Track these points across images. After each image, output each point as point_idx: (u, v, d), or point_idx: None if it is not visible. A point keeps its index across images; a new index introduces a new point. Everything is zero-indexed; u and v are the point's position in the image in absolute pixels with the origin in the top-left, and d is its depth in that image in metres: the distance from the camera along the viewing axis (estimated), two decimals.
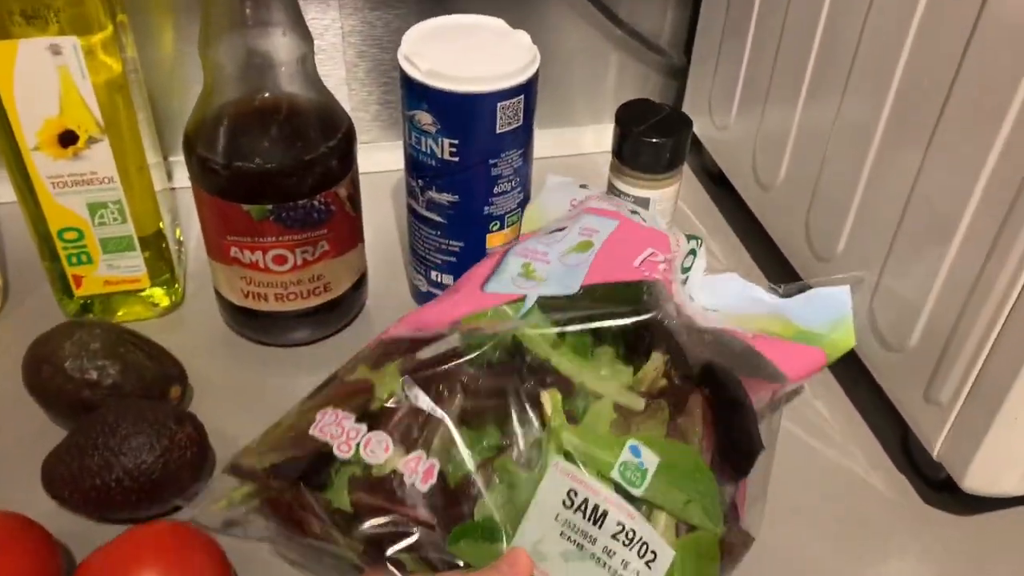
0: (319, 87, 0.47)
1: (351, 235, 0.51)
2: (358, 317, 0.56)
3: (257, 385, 0.51)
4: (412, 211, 0.52)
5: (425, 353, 0.42)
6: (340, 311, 0.53)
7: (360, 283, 0.54)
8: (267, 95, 0.46)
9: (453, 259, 0.52)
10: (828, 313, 0.44)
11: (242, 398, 0.50)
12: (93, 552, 0.38)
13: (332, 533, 0.39)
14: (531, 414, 0.39)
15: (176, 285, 0.54)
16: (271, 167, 0.45)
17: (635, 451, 0.39)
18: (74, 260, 0.50)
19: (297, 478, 0.40)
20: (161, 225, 0.52)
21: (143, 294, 0.53)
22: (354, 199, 0.50)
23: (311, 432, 0.40)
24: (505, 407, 0.40)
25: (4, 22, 0.42)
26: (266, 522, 0.42)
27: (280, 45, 0.44)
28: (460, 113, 0.46)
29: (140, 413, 0.42)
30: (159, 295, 0.54)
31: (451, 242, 0.51)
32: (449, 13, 0.63)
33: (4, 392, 0.49)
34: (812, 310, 0.44)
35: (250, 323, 0.52)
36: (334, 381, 0.44)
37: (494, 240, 0.52)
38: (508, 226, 0.52)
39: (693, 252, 0.45)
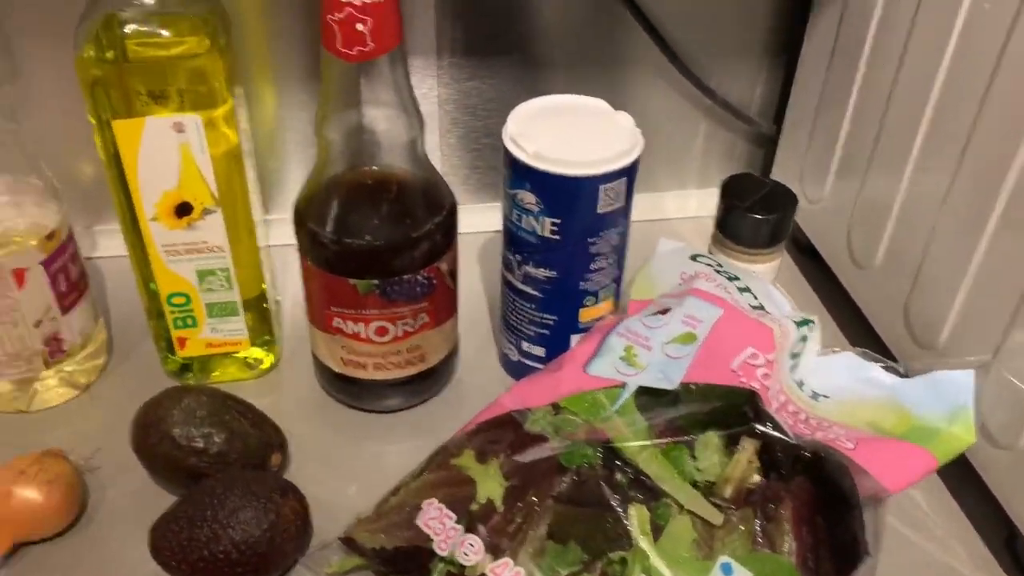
0: (426, 165, 0.48)
1: (449, 307, 0.52)
2: (450, 384, 0.56)
3: (352, 450, 0.52)
4: (507, 283, 0.53)
5: (525, 456, 0.43)
6: (434, 380, 0.54)
7: (454, 352, 0.55)
8: (378, 173, 0.47)
9: (546, 331, 0.52)
10: (948, 400, 0.42)
11: (337, 463, 0.51)
12: None
13: None
14: (618, 530, 0.40)
15: (275, 346, 0.56)
16: (379, 244, 0.46)
17: (727, 569, 0.39)
18: (180, 323, 0.52)
19: (404, 567, 0.41)
20: (263, 287, 0.53)
21: (240, 355, 0.54)
22: (453, 272, 0.51)
23: (417, 522, 0.42)
24: (593, 522, 0.40)
25: (132, 101, 0.44)
26: None
27: (393, 126, 0.45)
28: (564, 194, 0.47)
29: (247, 486, 0.43)
30: (260, 354, 0.55)
31: (545, 315, 0.52)
32: (540, 84, 0.64)
33: (110, 448, 0.50)
34: (931, 395, 0.42)
35: (347, 389, 0.53)
36: (440, 457, 0.45)
37: (587, 314, 0.52)
38: (602, 300, 0.52)
39: (804, 339, 0.45)
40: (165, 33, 0.43)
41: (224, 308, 0.51)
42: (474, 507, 0.42)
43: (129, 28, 0.43)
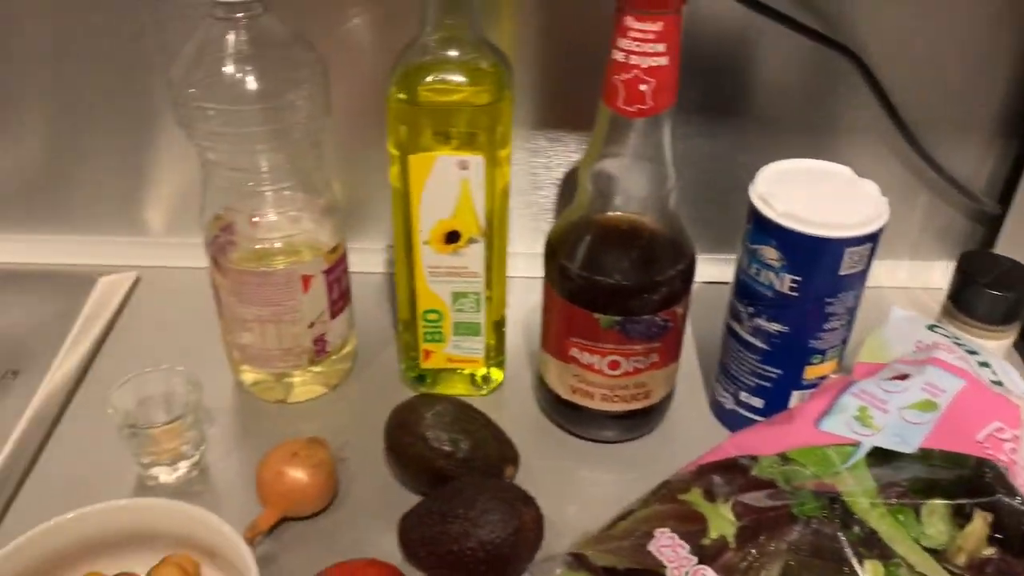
0: (674, 216, 0.52)
1: (676, 350, 0.55)
2: (661, 423, 0.59)
3: (569, 474, 0.55)
4: (732, 333, 0.55)
5: (755, 501, 0.44)
6: (650, 417, 0.57)
7: (671, 393, 0.57)
8: (631, 219, 0.51)
9: (768, 384, 0.54)
10: None
11: (556, 484, 0.54)
12: None
13: None
14: None
15: (504, 368, 0.60)
16: (627, 284, 0.50)
17: None
18: (429, 338, 0.57)
19: None
20: (504, 313, 0.58)
21: (467, 372, 0.59)
22: (685, 318, 0.54)
23: (649, 548, 0.44)
24: (826, 573, 0.41)
25: (425, 139, 0.50)
26: None
27: (652, 178, 0.49)
28: (809, 254, 0.49)
29: (494, 491, 0.47)
30: (494, 374, 0.59)
31: (769, 368, 0.54)
32: (762, 142, 0.67)
33: (354, 443, 0.55)
34: None
35: (569, 416, 0.57)
36: (665, 491, 0.48)
37: (812, 372, 0.53)
38: (828, 359, 0.53)
39: None
40: (462, 80, 0.49)
41: (469, 328, 0.56)
42: (706, 542, 0.44)
43: (433, 76, 0.49)
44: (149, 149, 0.68)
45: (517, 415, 0.59)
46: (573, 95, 0.65)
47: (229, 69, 0.48)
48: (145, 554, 0.46)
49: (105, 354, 0.63)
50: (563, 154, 0.67)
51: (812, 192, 0.51)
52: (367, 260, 0.69)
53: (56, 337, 0.62)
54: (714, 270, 0.70)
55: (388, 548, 0.48)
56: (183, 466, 0.53)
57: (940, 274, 0.71)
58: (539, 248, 0.71)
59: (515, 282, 0.61)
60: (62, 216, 0.70)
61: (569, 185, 0.69)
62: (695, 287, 0.69)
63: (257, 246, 0.54)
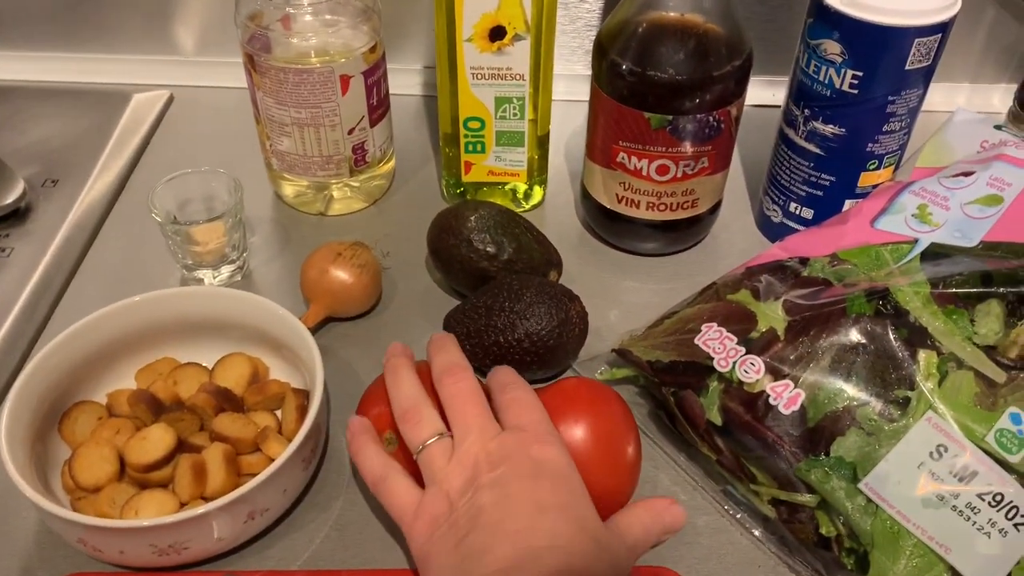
0: (730, 11, 0.49)
1: (726, 156, 0.53)
2: (703, 240, 0.58)
3: (611, 284, 0.55)
4: (785, 140, 0.53)
5: (807, 300, 0.44)
6: (695, 229, 0.56)
7: (718, 205, 0.56)
8: (686, 13, 0.48)
9: (820, 193, 0.53)
10: None
11: (598, 292, 0.54)
12: None
13: (695, 434, 0.43)
14: (902, 373, 0.40)
15: (544, 186, 0.59)
16: (681, 79, 0.48)
17: (1015, 419, 0.39)
18: (470, 148, 0.56)
19: (677, 379, 0.44)
20: (549, 128, 0.56)
21: (509, 187, 0.58)
22: (738, 121, 0.52)
23: (696, 341, 0.44)
24: (876, 361, 0.41)
25: None
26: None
27: None
28: (873, 45, 0.46)
29: (541, 287, 0.47)
30: (537, 192, 0.58)
31: (823, 176, 0.52)
32: None
33: (397, 254, 0.55)
34: None
35: (612, 227, 0.56)
36: (712, 291, 0.47)
37: (868, 179, 0.52)
38: (884, 166, 0.52)
39: None
40: None
41: (511, 138, 0.55)
42: (754, 335, 0.44)
43: None
44: None
45: (558, 233, 0.58)
46: None
47: None
48: (214, 343, 0.47)
49: (143, 165, 0.62)
50: None
51: None
52: (404, 81, 0.67)
53: (93, 150, 0.61)
54: (762, 93, 0.68)
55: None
56: (226, 270, 0.53)
57: (1000, 98, 0.68)
58: (582, 69, 0.69)
59: (557, 106, 0.59)
60: (94, 35, 0.69)
61: None
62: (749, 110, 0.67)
63: (294, 40, 0.52)
